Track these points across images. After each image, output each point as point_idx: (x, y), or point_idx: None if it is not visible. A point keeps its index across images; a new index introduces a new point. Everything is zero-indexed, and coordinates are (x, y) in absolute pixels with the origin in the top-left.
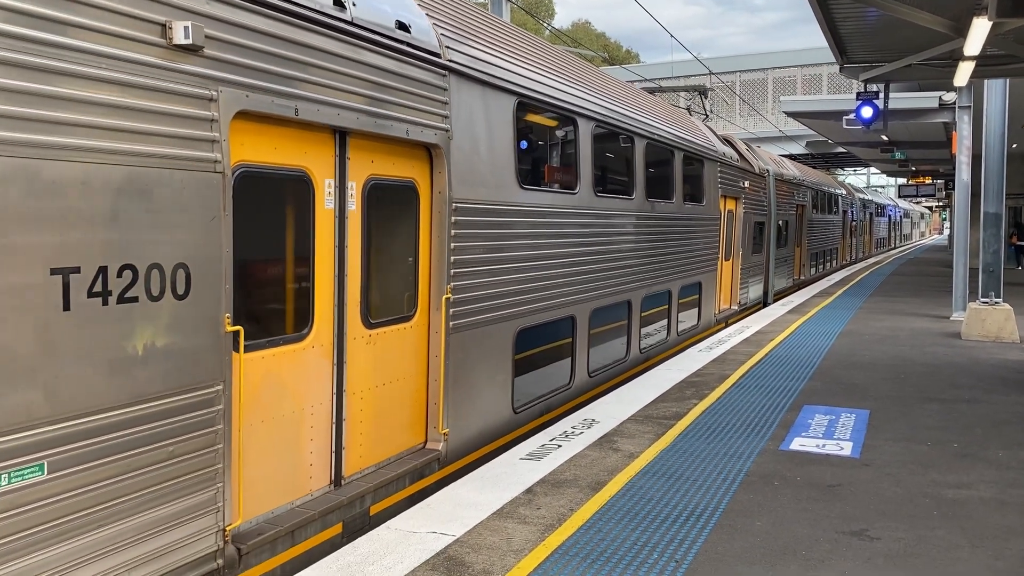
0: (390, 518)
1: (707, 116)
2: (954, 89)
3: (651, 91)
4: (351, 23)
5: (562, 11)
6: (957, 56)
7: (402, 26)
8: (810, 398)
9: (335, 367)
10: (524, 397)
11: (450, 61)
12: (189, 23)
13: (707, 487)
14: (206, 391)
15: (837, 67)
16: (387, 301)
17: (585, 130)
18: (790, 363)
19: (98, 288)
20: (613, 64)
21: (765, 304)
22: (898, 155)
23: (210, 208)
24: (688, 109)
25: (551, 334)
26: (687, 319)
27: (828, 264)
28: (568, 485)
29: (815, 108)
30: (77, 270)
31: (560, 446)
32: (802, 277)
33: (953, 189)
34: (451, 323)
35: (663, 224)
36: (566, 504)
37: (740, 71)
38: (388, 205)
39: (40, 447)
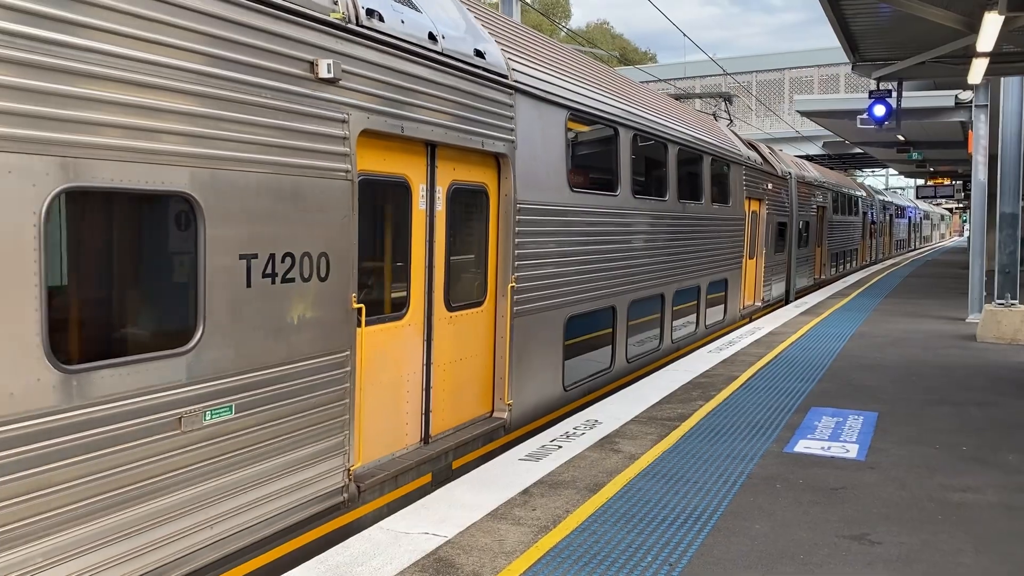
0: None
1: (731, 121)
2: (970, 87)
3: (678, 98)
4: (441, 53)
5: (579, 11)
6: (971, 53)
7: (479, 53)
8: (818, 400)
9: (425, 343)
10: (572, 377)
11: (515, 81)
12: (331, 60)
13: (707, 489)
14: (339, 355)
15: (851, 68)
16: (464, 288)
17: (625, 138)
18: (800, 364)
19: (268, 271)
20: (628, 64)
21: (787, 301)
22: (915, 155)
23: (343, 209)
24: (714, 115)
25: (595, 323)
26: (714, 313)
27: (848, 264)
28: (565, 486)
29: (830, 107)
30: (255, 256)
31: (560, 447)
32: (822, 277)
33: (971, 190)
34: (514, 308)
35: (693, 224)
36: (562, 506)
37: (756, 71)
38: (465, 206)
39: (230, 392)
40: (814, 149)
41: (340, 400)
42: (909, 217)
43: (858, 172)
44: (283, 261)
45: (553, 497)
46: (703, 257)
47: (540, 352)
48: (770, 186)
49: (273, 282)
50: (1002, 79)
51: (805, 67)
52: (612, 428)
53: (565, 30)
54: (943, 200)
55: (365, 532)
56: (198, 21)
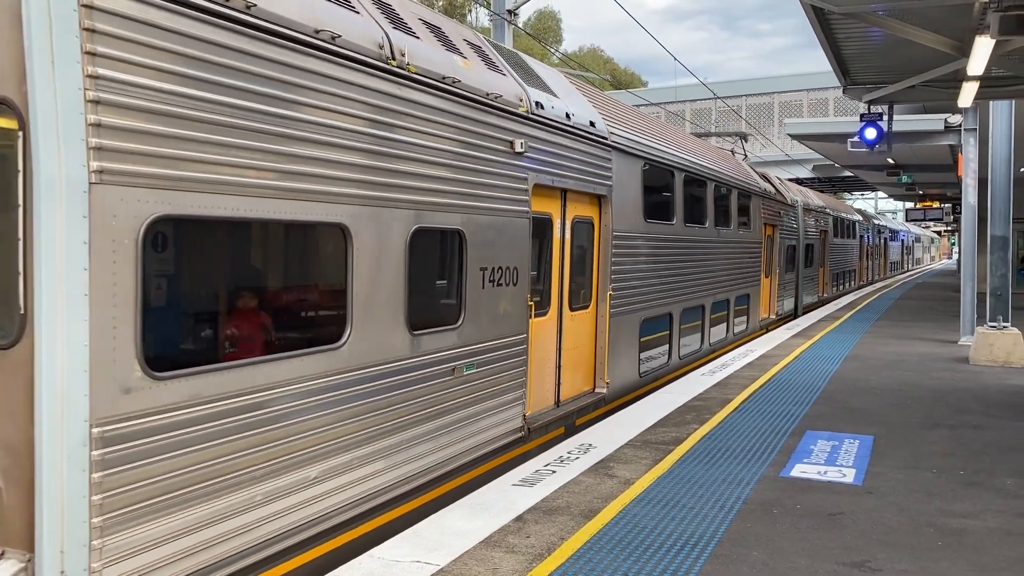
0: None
1: (746, 156)
2: (959, 111)
3: (698, 135)
4: (572, 127)
5: (570, 36)
6: (961, 77)
7: (592, 123)
8: (813, 423)
9: (557, 333)
10: (644, 367)
11: (612, 142)
12: (521, 140)
13: (703, 515)
14: (522, 335)
15: (843, 91)
16: (578, 295)
17: (679, 178)
18: (794, 387)
19: (492, 277)
20: (620, 88)
21: (795, 316)
22: (905, 179)
23: (525, 237)
24: (732, 151)
25: (659, 326)
26: (739, 323)
27: (848, 284)
28: (560, 512)
29: (820, 131)
30: (487, 268)
31: (555, 471)
32: (825, 294)
33: (960, 213)
34: (611, 311)
35: (724, 246)
36: (556, 532)
37: (746, 95)
38: (579, 234)
39: (473, 355)
40: (804, 172)
41: (521, 365)
42: (902, 240)
43: (848, 195)
44: (498, 272)
45: (547, 524)
46: (731, 274)
47: (625, 345)
48: (781, 213)
49: (495, 286)
50: (991, 103)
51: (794, 91)
52: (606, 452)
53: (557, 55)
54: (932, 223)
55: (355, 561)
56: (465, 124)
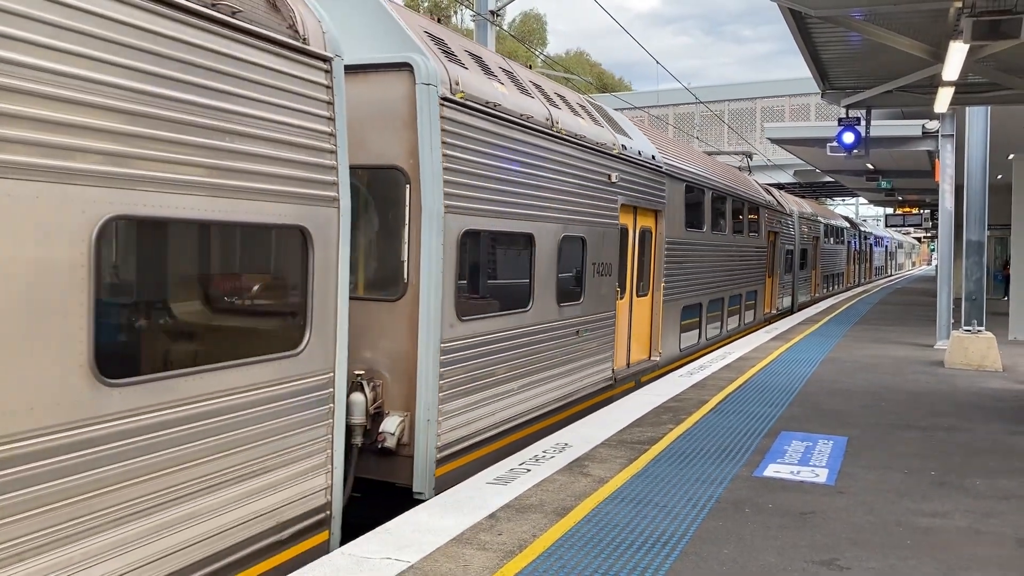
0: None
1: (750, 171)
2: (937, 117)
3: (710, 153)
4: (641, 160)
5: (555, 39)
6: (937, 82)
7: (652, 156)
8: (788, 424)
9: (628, 312)
10: (683, 344)
11: (665, 169)
12: (615, 173)
13: (676, 514)
14: (612, 312)
15: (821, 95)
16: (642, 285)
17: (708, 195)
18: (770, 389)
19: (598, 270)
20: (605, 92)
21: (792, 312)
22: (884, 184)
23: (615, 242)
24: (739, 168)
25: (693, 312)
26: (748, 315)
27: (837, 285)
28: (533, 510)
29: (800, 135)
30: (595, 263)
31: (529, 470)
32: (817, 294)
33: (938, 218)
34: (663, 298)
35: (738, 250)
36: (529, 530)
37: (729, 100)
38: (644, 240)
39: (587, 323)
40: (786, 177)
41: (612, 334)
42: (886, 246)
43: (829, 201)
44: (602, 266)
45: (520, 521)
46: (744, 274)
47: (671, 326)
48: (781, 222)
49: (599, 276)
50: (967, 109)
51: (776, 96)
52: (582, 451)
53: (542, 57)
54: (911, 229)
55: (325, 558)
56: (586, 164)
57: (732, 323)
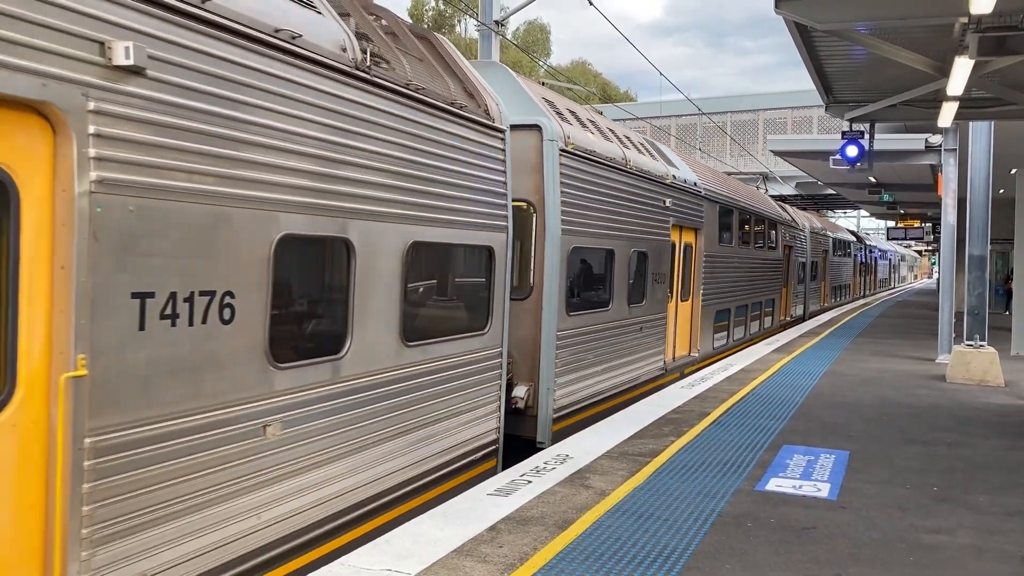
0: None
1: (767, 191)
2: (939, 131)
3: (730, 174)
4: (686, 186)
5: (558, 49)
6: (941, 97)
7: (694, 183)
8: (790, 438)
9: (675, 314)
10: (716, 343)
11: (704, 193)
12: (668, 199)
13: (678, 527)
14: (665, 313)
15: (825, 108)
16: (685, 291)
17: (736, 214)
18: (772, 402)
19: (654, 278)
20: (608, 103)
21: (804, 319)
22: (886, 197)
23: (667, 256)
24: (756, 187)
25: (723, 316)
26: (767, 321)
27: (844, 296)
28: (534, 523)
29: (803, 148)
30: (652, 272)
31: (530, 482)
32: (826, 304)
33: (940, 232)
34: (701, 303)
35: (760, 262)
36: (530, 543)
37: (731, 112)
38: (687, 253)
39: (647, 322)
40: (788, 189)
41: (664, 332)
42: (889, 259)
43: (830, 213)
44: (658, 275)
45: (521, 534)
46: (763, 283)
47: (706, 327)
48: (795, 236)
49: (656, 283)
50: (971, 124)
51: (779, 108)
52: (583, 463)
53: (545, 67)
54: (912, 242)
55: (324, 569)
56: (649, 194)
57: (754, 327)
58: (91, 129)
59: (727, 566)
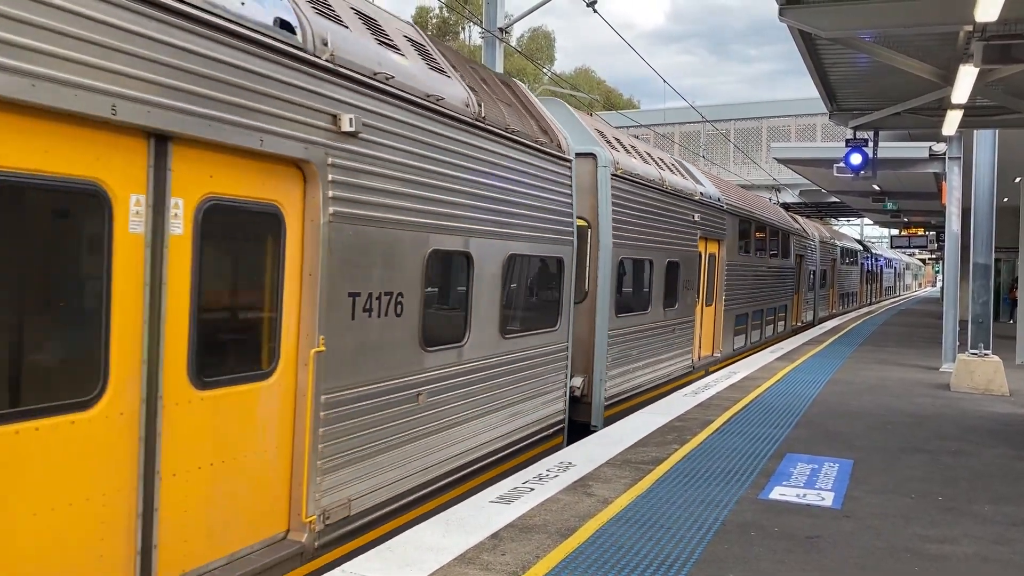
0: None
1: (778, 203)
2: (944, 139)
3: (744, 187)
4: (711, 202)
5: (561, 56)
6: (945, 105)
7: (718, 199)
8: (793, 446)
9: (701, 317)
10: (735, 345)
11: (726, 208)
12: (697, 214)
13: (681, 536)
14: (693, 317)
15: (829, 116)
16: (709, 296)
17: (753, 225)
18: (775, 410)
19: (686, 284)
20: (611, 110)
21: (813, 324)
22: (890, 205)
23: (695, 265)
24: (768, 199)
25: (742, 321)
26: (780, 325)
27: (851, 303)
28: (536, 531)
29: (806, 155)
30: (685, 279)
31: (533, 489)
32: (834, 311)
33: (944, 241)
34: (723, 307)
35: (776, 270)
36: (532, 551)
37: (735, 119)
38: (712, 262)
39: (678, 324)
40: (791, 197)
41: (692, 333)
42: (895, 268)
43: (834, 221)
44: (688, 281)
45: (523, 541)
46: (778, 290)
47: (728, 330)
48: (806, 246)
49: (686, 290)
50: (975, 132)
51: (783, 116)
52: (586, 471)
53: (548, 75)
54: (916, 251)
55: (328, 575)
56: (680, 211)
57: (768, 331)
58: (329, 177)
59: (731, 575)
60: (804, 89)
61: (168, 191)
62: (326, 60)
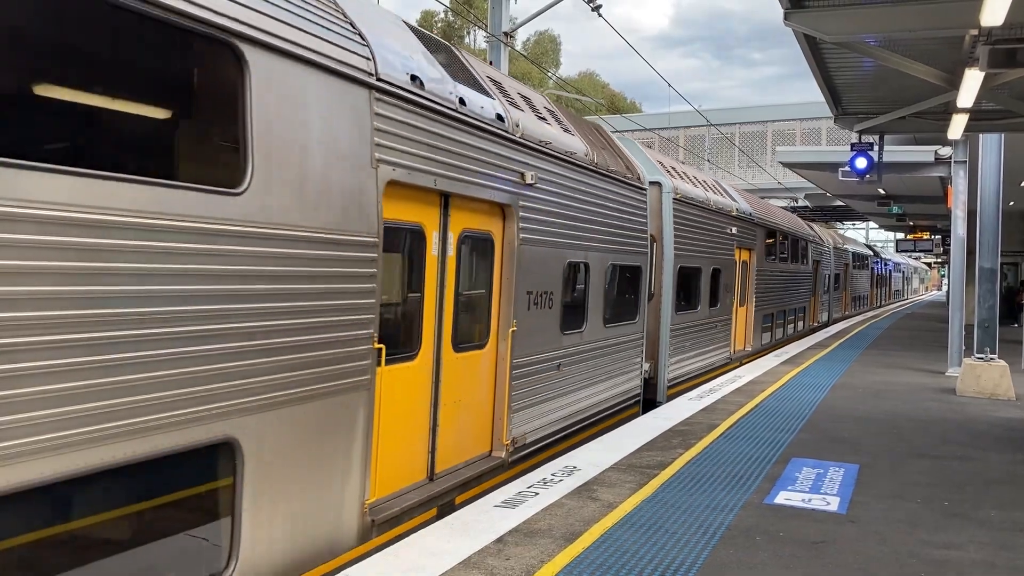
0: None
1: (795, 211)
2: (950, 143)
3: (762, 196)
4: (745, 216)
5: (565, 60)
6: (951, 109)
7: (750, 213)
8: (799, 451)
9: (735, 316)
10: (763, 341)
11: (756, 220)
12: (734, 227)
13: (686, 541)
14: (731, 315)
15: (834, 120)
16: (742, 298)
17: (778, 235)
18: (781, 415)
19: (725, 288)
20: (615, 113)
21: (828, 324)
22: (895, 209)
23: (733, 270)
24: (788, 208)
25: (768, 319)
26: (800, 324)
27: (862, 305)
28: (541, 535)
29: (812, 159)
30: (726, 284)
31: (537, 494)
32: (847, 312)
33: (950, 245)
34: (755, 307)
35: (796, 275)
36: (536, 555)
37: (740, 123)
38: (744, 268)
39: (718, 322)
40: (797, 201)
41: (730, 329)
42: (903, 272)
43: (839, 225)
44: (727, 286)
45: (528, 546)
46: (797, 293)
47: (757, 327)
48: (821, 252)
49: (725, 292)
50: (981, 136)
51: (788, 120)
52: (590, 475)
53: (553, 79)
54: (921, 254)
55: None
56: (720, 225)
57: (790, 329)
58: (519, 214)
59: None
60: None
61: (448, 228)
62: (520, 137)
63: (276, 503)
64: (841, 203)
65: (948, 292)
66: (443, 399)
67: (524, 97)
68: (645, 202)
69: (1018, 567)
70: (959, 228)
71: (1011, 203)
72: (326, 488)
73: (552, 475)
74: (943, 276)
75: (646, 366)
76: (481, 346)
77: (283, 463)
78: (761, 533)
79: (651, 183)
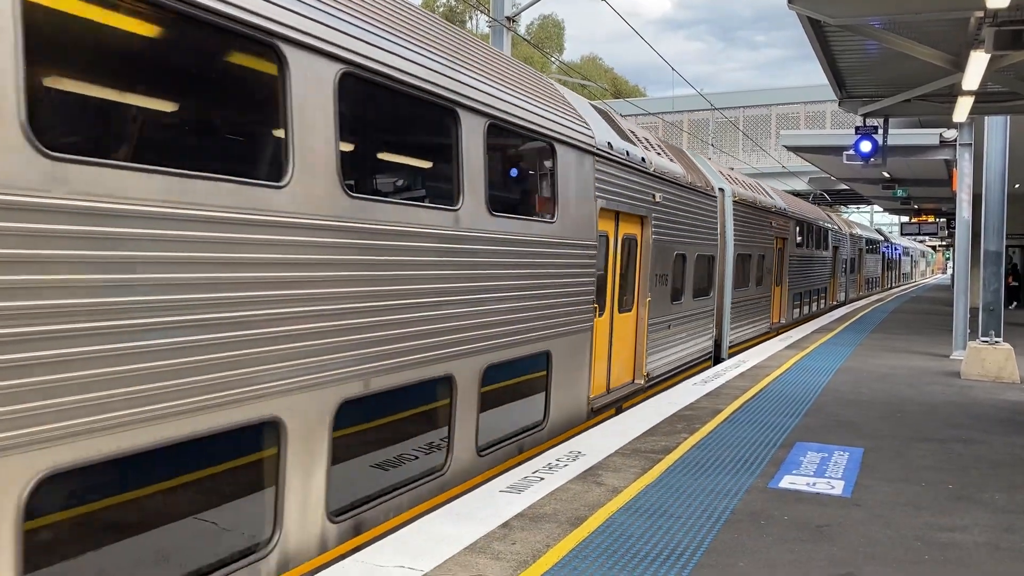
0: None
1: (818, 203)
2: (954, 126)
3: (795, 194)
4: (784, 213)
5: (568, 44)
6: (956, 91)
7: (784, 209)
8: (803, 435)
9: (773, 294)
10: (793, 315)
11: (789, 214)
12: (775, 220)
13: (691, 525)
14: (770, 293)
15: (838, 103)
16: (778, 279)
17: (805, 225)
18: (785, 399)
19: (767, 270)
20: (619, 98)
21: (845, 303)
22: (900, 193)
23: (773, 255)
24: (811, 199)
25: (796, 297)
26: (822, 303)
27: (875, 286)
28: (546, 520)
29: (816, 143)
30: (766, 267)
31: (542, 479)
32: (861, 293)
33: (955, 228)
34: (788, 288)
35: (819, 260)
36: (542, 540)
37: (744, 107)
38: (780, 254)
39: (759, 298)
40: (800, 184)
41: (769, 304)
42: (911, 255)
43: (844, 208)
44: (768, 269)
45: (534, 531)
46: (821, 275)
47: (789, 303)
48: (839, 238)
49: (767, 274)
50: (986, 118)
51: (792, 103)
52: (595, 460)
53: (556, 63)
54: (926, 238)
55: (338, 565)
56: (768, 223)
57: (814, 307)
58: (652, 222)
59: (740, 564)
60: (812, 75)
61: (618, 234)
62: (652, 172)
63: (560, 389)
64: (845, 187)
65: (953, 275)
66: (614, 343)
67: (646, 139)
68: (715, 206)
69: (1023, 549)
70: (964, 211)
71: (1016, 186)
72: (580, 385)
73: (557, 460)
74: (947, 259)
75: (713, 331)
76: (630, 310)
77: (564, 367)
78: (766, 517)
79: (718, 189)
